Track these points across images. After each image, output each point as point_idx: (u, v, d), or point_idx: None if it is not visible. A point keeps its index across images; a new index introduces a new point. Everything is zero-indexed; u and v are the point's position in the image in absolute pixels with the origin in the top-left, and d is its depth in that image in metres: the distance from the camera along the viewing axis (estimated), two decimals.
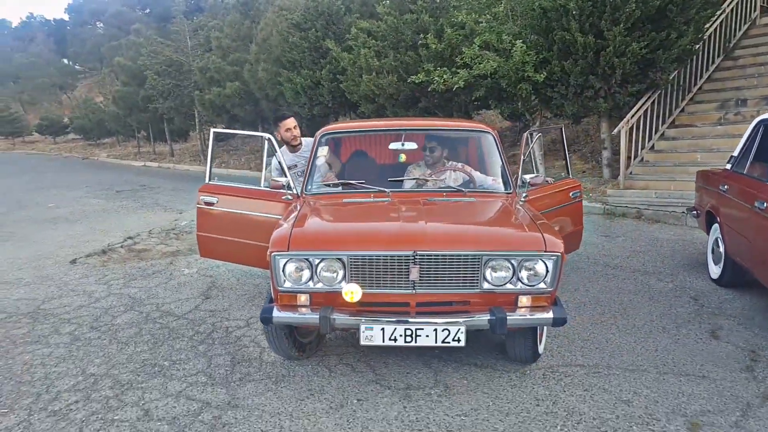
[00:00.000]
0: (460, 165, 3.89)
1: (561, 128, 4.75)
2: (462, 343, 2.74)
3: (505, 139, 12.91)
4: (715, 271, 4.74)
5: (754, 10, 9.91)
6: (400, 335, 2.77)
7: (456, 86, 8.76)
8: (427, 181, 3.72)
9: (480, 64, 8.43)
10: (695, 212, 5.33)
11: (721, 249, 4.57)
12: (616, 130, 8.43)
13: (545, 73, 8.34)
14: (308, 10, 13.50)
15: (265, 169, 4.48)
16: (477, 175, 3.79)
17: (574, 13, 7.82)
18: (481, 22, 8.78)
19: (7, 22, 58.33)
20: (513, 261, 2.78)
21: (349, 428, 2.69)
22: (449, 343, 2.75)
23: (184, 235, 7.55)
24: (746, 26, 9.81)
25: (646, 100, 8.44)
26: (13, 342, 3.89)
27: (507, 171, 3.77)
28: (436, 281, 2.81)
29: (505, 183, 3.72)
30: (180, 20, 19.40)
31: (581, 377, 3.13)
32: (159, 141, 24.85)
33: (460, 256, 2.77)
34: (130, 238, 7.43)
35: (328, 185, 3.82)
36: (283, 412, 2.86)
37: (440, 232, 2.96)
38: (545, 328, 3.28)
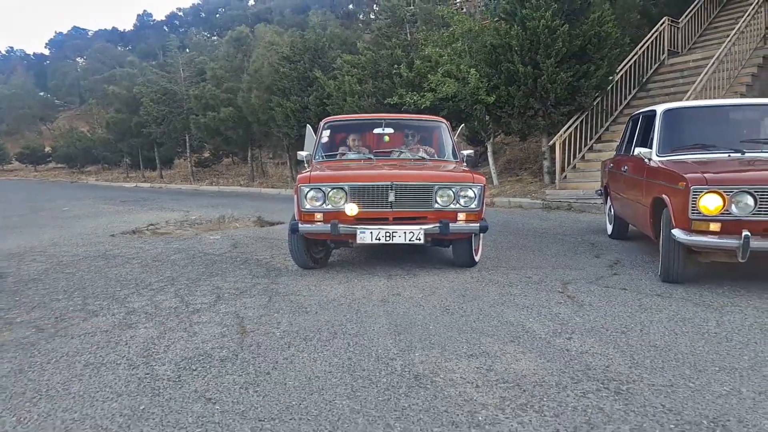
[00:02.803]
0: (426, 147, 5.60)
1: (460, 125, 6.61)
2: (421, 241, 4.37)
3: (469, 161, 14.78)
4: (609, 228, 6.50)
5: (663, 53, 12.11)
6: (382, 236, 4.36)
7: (423, 106, 10.61)
8: (402, 153, 5.40)
9: (443, 87, 10.33)
10: (600, 191, 7.13)
11: (612, 211, 6.34)
12: (552, 142, 10.35)
13: (495, 97, 10.26)
14: (296, 45, 15.39)
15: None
16: (435, 152, 5.58)
17: (516, 49, 9.82)
18: (444, 56, 10.72)
19: None
20: (453, 189, 4.43)
21: (353, 290, 4.27)
22: (413, 241, 4.37)
23: (197, 226, 9.02)
24: (656, 65, 11.98)
25: (576, 119, 10.41)
26: (98, 268, 5.35)
27: (455, 148, 5.55)
28: (405, 202, 4.43)
29: (454, 155, 5.49)
30: (174, 53, 21.14)
31: (503, 270, 4.77)
32: (146, 168, 26.17)
33: (420, 186, 4.44)
34: (152, 224, 8.87)
35: (329, 155, 5.45)
36: (308, 286, 4.44)
37: (408, 172, 4.66)
38: (480, 244, 4.97)
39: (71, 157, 33.24)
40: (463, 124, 6.10)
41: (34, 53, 58.68)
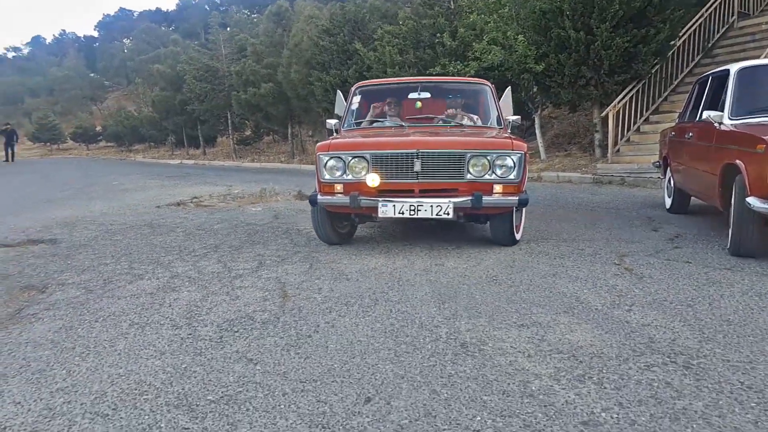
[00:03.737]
0: (468, 114, 5.01)
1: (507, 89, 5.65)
2: (451, 216, 3.81)
3: (515, 132, 14.32)
4: (667, 202, 6.14)
5: (732, 15, 11.33)
6: (406, 209, 3.84)
7: (467, 75, 10.27)
8: (439, 120, 4.87)
9: (488, 56, 9.96)
10: (658, 162, 6.75)
11: (672, 183, 5.98)
12: (604, 113, 9.89)
13: (543, 65, 9.83)
14: (336, 18, 15.17)
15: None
16: (479, 118, 5.02)
17: (567, 13, 9.34)
18: (489, 23, 10.33)
19: (42, 39, 61.13)
20: (489, 158, 3.87)
21: (395, 260, 4.14)
22: (440, 216, 3.80)
23: (239, 199, 9.06)
24: (724, 29, 11.22)
25: (632, 89, 9.88)
26: (144, 236, 5.39)
27: (500, 113, 4.92)
28: (433, 173, 3.89)
29: (498, 122, 4.88)
30: (215, 31, 21.26)
31: (553, 242, 4.55)
32: (190, 146, 26.64)
33: (450, 154, 3.89)
34: (195, 197, 8.95)
35: (359, 122, 4.98)
36: (348, 255, 4.33)
37: (437, 139, 4.10)
38: (522, 219, 4.62)
39: (120, 136, 34.15)
40: (509, 87, 5.56)
41: (84, 35, 60.41)
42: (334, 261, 4.05)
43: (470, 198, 3.85)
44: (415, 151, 3.88)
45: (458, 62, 10.58)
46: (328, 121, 5.12)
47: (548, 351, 2.35)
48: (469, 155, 3.88)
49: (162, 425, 1.79)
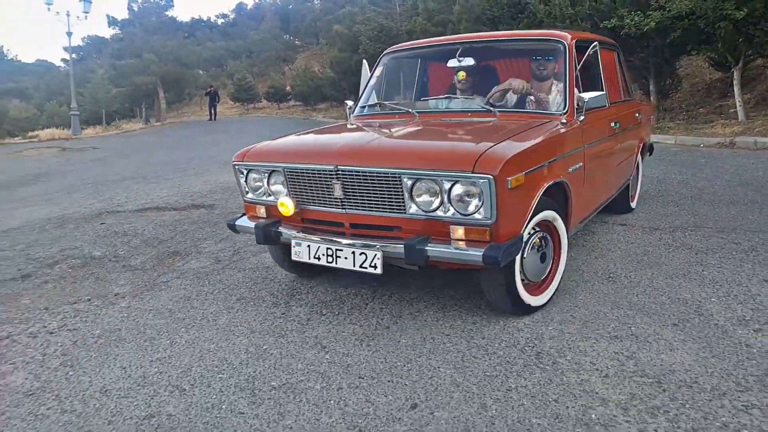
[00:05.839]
0: (515, 83, 3.31)
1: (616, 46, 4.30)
2: (378, 271, 2.48)
3: (714, 90, 12.51)
4: None
5: None
6: (323, 254, 2.63)
7: (647, 27, 9.13)
8: (472, 99, 3.36)
9: (674, 4, 8.72)
10: None
11: None
12: None
13: (746, 10, 8.31)
14: None
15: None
16: (535, 94, 3.27)
17: None
18: None
19: (244, 5, 67.67)
20: (442, 183, 2.37)
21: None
22: (366, 268, 2.51)
23: None
24: None
25: None
26: None
27: (567, 88, 3.09)
28: (363, 201, 2.57)
29: (562, 102, 3.08)
30: None
31: (706, 231, 3.97)
32: None
33: (380, 173, 2.46)
34: None
35: (364, 107, 3.74)
36: None
37: (368, 148, 2.66)
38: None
39: (305, 96, 36.76)
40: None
41: None
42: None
43: (404, 244, 2.41)
44: (332, 167, 2.59)
45: (638, 12, 9.42)
46: (346, 102, 4.01)
47: (631, 372, 2.13)
48: (406, 177, 2.43)
49: (224, 407, 2.02)
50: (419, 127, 3.05)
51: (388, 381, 2.15)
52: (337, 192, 2.60)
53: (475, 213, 2.34)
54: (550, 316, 2.66)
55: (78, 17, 21.27)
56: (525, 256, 2.58)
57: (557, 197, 2.80)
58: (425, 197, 2.43)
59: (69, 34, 22.44)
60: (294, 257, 2.73)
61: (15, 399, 2.16)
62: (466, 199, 2.35)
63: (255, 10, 67.47)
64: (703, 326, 2.48)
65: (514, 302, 2.60)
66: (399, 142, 2.80)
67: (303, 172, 2.71)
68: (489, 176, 2.25)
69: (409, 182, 2.42)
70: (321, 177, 2.65)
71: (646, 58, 10.89)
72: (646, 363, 2.19)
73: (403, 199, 2.46)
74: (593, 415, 1.88)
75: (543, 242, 2.72)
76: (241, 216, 3.11)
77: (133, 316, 2.92)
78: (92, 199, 6.60)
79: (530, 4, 13.14)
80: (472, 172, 2.28)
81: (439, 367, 2.23)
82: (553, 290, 2.83)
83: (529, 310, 2.68)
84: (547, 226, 2.75)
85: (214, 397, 2.09)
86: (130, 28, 49.18)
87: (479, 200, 2.31)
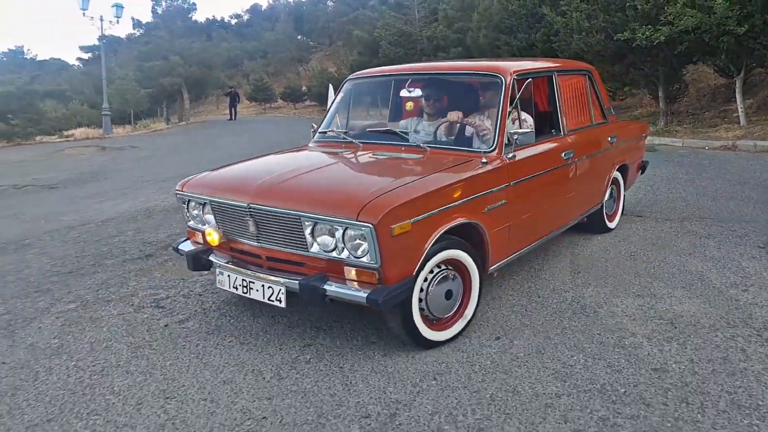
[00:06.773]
0: (472, 119, 3.37)
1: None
2: (282, 305, 2.69)
3: (718, 96, 13.29)
4: None
5: None
6: (240, 285, 2.85)
7: (657, 41, 9.94)
8: (417, 129, 3.54)
9: (682, 21, 9.52)
10: None
11: None
12: None
13: (747, 26, 9.11)
14: None
15: None
16: (474, 126, 3.33)
17: None
18: None
19: (259, 6, 68.74)
20: (336, 227, 2.53)
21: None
22: (272, 301, 2.72)
23: None
24: None
25: None
26: None
27: (499, 125, 3.14)
28: (273, 237, 2.77)
29: (491, 138, 3.14)
30: None
31: (708, 222, 4.78)
32: None
33: (284, 214, 2.66)
34: None
35: (324, 132, 3.86)
36: None
37: (275, 186, 2.83)
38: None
39: (321, 96, 37.72)
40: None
41: (294, 0, 66.13)
42: None
43: (300, 281, 2.64)
44: (245, 204, 2.80)
45: (649, 27, 10.24)
46: (312, 125, 4.14)
47: (652, 317, 2.96)
48: (305, 219, 2.61)
49: None
50: (337, 164, 3.36)
51: (474, 324, 2.98)
52: (251, 227, 2.82)
53: (363, 257, 2.50)
54: (588, 282, 3.50)
55: (111, 21, 22.23)
56: (429, 292, 2.68)
57: (471, 235, 2.90)
58: (325, 238, 2.59)
59: (101, 38, 23.41)
60: (218, 285, 2.99)
61: (201, 336, 3.02)
62: (356, 243, 2.50)
63: (269, 11, 68.42)
64: (704, 288, 3.32)
65: (413, 337, 2.70)
66: (307, 183, 2.91)
67: (224, 206, 2.94)
68: (369, 225, 2.40)
69: (309, 224, 2.60)
70: (237, 212, 2.87)
71: (655, 66, 11.69)
72: (662, 311, 3.03)
73: (305, 238, 2.64)
74: (626, 342, 2.72)
75: (451, 279, 2.78)
76: (185, 240, 3.37)
77: None
78: (163, 194, 7.42)
79: (547, 15, 13.93)
80: (356, 220, 2.43)
81: (509, 315, 3.07)
82: (463, 324, 2.87)
83: (431, 344, 2.75)
84: (455, 265, 2.83)
85: None
86: (156, 31, 50.19)
87: (367, 245, 2.46)
